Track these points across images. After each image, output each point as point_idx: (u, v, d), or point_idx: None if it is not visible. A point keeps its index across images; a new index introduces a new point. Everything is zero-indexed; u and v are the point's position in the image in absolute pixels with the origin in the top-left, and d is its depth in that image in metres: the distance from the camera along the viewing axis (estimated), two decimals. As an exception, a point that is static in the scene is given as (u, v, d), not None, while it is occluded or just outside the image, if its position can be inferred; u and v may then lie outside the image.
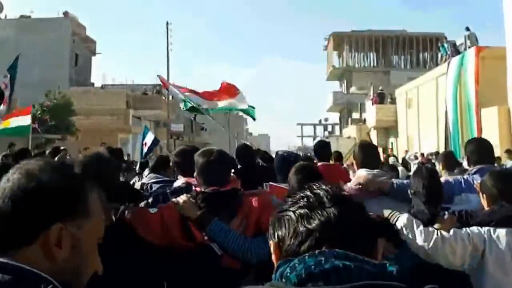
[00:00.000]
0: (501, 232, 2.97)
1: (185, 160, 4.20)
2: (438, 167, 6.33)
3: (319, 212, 1.19)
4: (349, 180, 4.49)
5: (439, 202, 3.48)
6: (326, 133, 69.23)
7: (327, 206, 1.20)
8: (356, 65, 51.37)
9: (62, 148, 17.11)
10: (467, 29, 25.42)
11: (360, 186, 4.01)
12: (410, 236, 3.04)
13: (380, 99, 35.42)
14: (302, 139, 60.51)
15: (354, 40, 50.77)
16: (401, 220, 3.12)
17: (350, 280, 1.04)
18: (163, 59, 39.30)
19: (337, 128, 61.10)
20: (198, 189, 3.19)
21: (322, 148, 6.38)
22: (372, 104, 35.33)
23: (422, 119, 27.97)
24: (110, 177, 2.98)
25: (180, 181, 4.19)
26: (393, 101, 34.49)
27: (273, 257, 1.25)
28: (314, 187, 1.28)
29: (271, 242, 1.26)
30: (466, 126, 21.44)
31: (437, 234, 3.00)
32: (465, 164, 4.69)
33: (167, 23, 39.33)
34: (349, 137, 36.38)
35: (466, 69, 21.81)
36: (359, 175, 4.12)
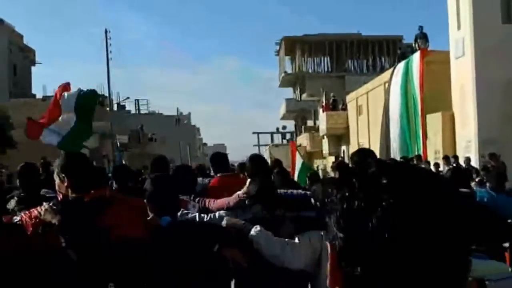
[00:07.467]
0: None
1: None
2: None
3: None
4: None
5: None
6: (285, 141, 69.85)
7: None
8: (310, 71, 52.17)
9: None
10: (420, 28, 25.59)
11: (245, 195, 4.59)
12: (265, 245, 3.52)
13: (332, 105, 36.25)
14: (259, 148, 60.62)
15: (306, 44, 51.56)
16: (254, 231, 3.59)
17: None
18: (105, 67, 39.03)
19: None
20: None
21: (216, 159, 6.52)
22: (323, 111, 36.13)
23: (372, 126, 28.82)
24: None
25: None
26: (346, 108, 35.33)
27: None
28: None
29: None
30: (413, 132, 22.14)
31: (287, 243, 3.53)
32: None
33: (106, 31, 39.22)
34: (299, 145, 37.00)
35: (412, 74, 22.46)
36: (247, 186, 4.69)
